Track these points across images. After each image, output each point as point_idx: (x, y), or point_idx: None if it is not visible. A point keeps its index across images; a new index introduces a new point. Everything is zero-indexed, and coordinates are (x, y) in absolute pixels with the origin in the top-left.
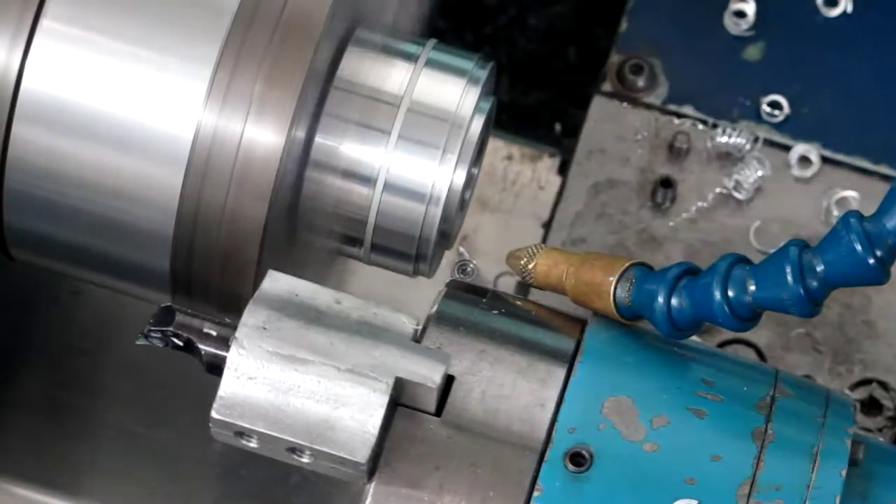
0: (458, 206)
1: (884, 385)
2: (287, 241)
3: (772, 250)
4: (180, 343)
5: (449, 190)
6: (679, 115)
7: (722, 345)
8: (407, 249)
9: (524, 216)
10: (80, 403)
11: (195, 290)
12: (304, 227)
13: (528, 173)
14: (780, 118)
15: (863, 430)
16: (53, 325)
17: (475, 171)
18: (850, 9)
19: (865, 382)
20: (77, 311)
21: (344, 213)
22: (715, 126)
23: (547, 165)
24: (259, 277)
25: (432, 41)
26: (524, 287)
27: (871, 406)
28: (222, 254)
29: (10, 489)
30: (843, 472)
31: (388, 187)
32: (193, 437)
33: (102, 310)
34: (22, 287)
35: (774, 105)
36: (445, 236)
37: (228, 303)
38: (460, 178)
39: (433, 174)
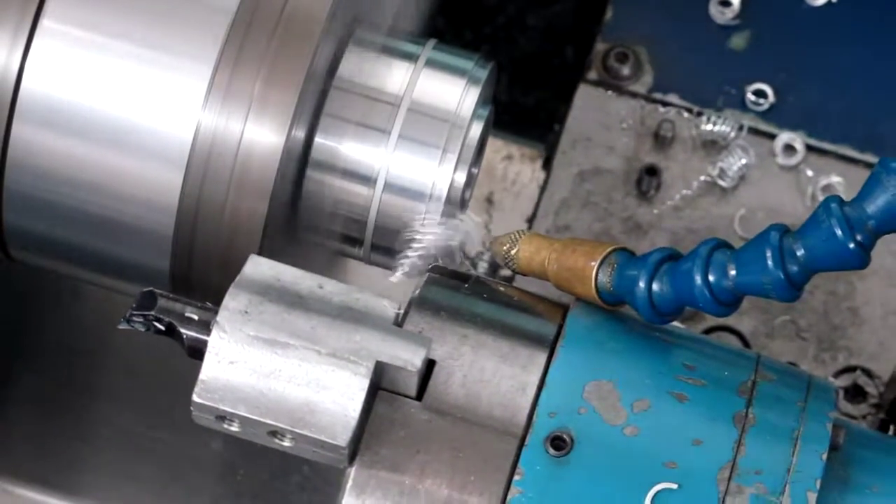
0: (458, 206)
1: (868, 372)
2: (287, 241)
3: None
4: (162, 327)
5: (449, 190)
6: (664, 104)
7: (706, 332)
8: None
9: (524, 216)
10: (80, 403)
11: (195, 290)
12: (304, 227)
13: (528, 173)
14: (765, 107)
15: (847, 417)
16: (53, 325)
17: (475, 170)
18: None
19: (850, 370)
20: (77, 311)
21: (344, 212)
22: (700, 114)
23: None
24: None
25: (432, 41)
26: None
27: (856, 393)
28: (222, 254)
29: (10, 489)
30: (824, 456)
31: (388, 187)
32: (193, 437)
33: (102, 310)
34: (22, 287)
35: (759, 94)
36: None
37: None
38: (461, 177)
39: (433, 174)
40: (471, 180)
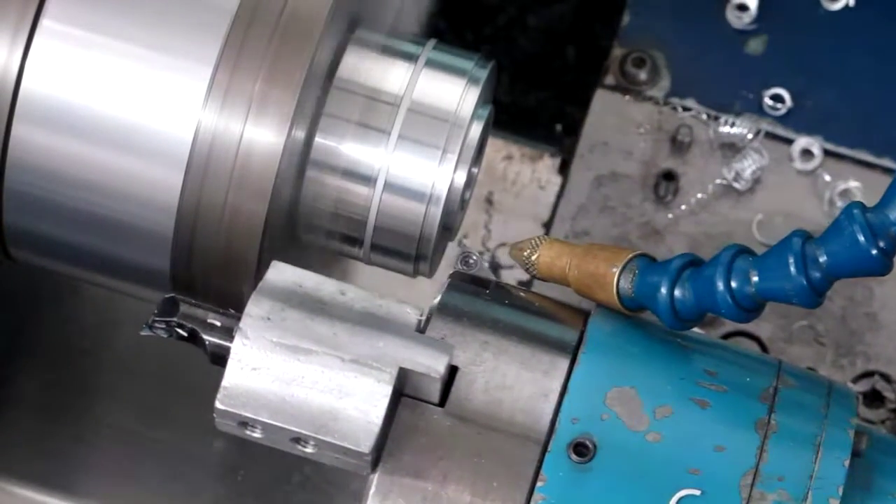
0: (458, 206)
1: (886, 377)
2: (287, 241)
3: (774, 243)
4: (184, 334)
5: (449, 190)
6: (682, 109)
7: (725, 337)
8: (407, 249)
9: (524, 216)
10: (80, 403)
11: (195, 290)
12: (304, 227)
13: (528, 173)
14: (783, 111)
15: (865, 423)
16: (53, 325)
17: (475, 170)
18: (852, 2)
19: (868, 375)
20: (77, 311)
21: (344, 213)
22: (717, 119)
23: (547, 165)
24: (259, 277)
25: (432, 41)
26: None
27: (874, 398)
28: (222, 254)
29: (10, 489)
30: (846, 463)
31: (388, 187)
32: (193, 437)
33: (102, 310)
34: (22, 287)
35: (777, 98)
36: (445, 236)
37: (228, 303)
38: (461, 177)
39: (433, 174)
40: (471, 180)
